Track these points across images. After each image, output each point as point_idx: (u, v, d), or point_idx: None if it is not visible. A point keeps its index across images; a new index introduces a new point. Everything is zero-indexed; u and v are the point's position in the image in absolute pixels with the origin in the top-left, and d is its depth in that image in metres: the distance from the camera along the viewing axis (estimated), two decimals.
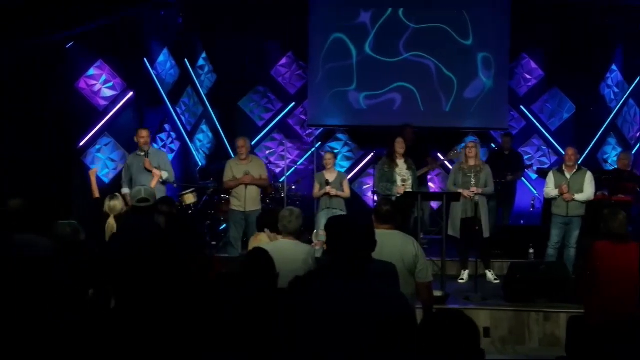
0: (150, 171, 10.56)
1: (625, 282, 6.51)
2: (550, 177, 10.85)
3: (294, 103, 16.17)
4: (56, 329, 5.39)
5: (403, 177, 10.96)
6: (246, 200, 11.18)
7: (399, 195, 10.61)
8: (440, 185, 15.52)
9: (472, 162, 10.82)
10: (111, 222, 8.18)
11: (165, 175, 10.69)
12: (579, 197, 10.51)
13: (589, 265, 6.71)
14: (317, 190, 11.33)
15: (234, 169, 11.36)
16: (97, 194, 9.73)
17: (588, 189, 10.59)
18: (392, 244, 5.84)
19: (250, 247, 6.95)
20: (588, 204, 10.65)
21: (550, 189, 10.74)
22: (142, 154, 10.68)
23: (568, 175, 10.67)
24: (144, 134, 10.80)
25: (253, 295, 5.10)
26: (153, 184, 10.18)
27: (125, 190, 10.47)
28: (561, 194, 10.53)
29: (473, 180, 10.64)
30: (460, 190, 10.56)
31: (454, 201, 10.54)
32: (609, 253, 6.55)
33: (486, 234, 10.73)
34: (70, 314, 5.68)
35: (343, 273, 3.63)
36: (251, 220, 11.11)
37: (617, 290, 6.47)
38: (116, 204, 8.67)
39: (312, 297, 3.63)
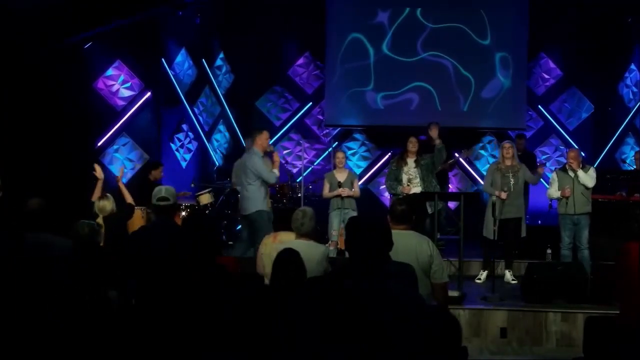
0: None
1: None
2: (554, 178, 10.80)
3: (311, 103, 16.19)
4: (72, 330, 5.41)
5: (410, 176, 10.95)
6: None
7: (404, 194, 10.61)
8: (458, 185, 15.50)
9: (509, 163, 10.82)
10: (99, 222, 8.14)
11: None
12: (581, 174, 10.45)
13: (623, 266, 6.63)
14: (327, 191, 11.25)
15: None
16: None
17: (589, 176, 10.52)
18: (407, 244, 5.83)
19: (266, 247, 6.96)
20: (605, 205, 10.60)
21: (553, 189, 10.71)
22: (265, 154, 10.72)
23: (572, 175, 10.59)
24: (267, 135, 10.83)
25: (254, 295, 5.11)
26: None
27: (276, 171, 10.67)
28: (563, 196, 10.48)
29: (512, 180, 10.65)
30: (497, 193, 10.55)
31: (476, 200, 10.53)
32: None
33: (524, 233, 10.77)
34: (87, 315, 5.71)
35: (362, 273, 3.64)
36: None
37: None
38: (105, 205, 8.64)
39: (332, 297, 3.63)
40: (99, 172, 9.60)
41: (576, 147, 14.60)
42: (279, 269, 5.37)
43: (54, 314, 5.57)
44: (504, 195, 10.58)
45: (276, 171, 10.49)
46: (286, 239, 6.86)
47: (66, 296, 5.86)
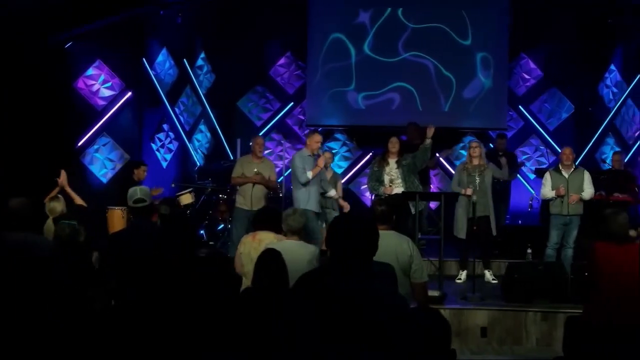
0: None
1: (626, 283, 6.49)
2: (547, 178, 10.84)
3: (292, 103, 16.19)
4: (55, 329, 5.39)
5: (392, 177, 10.94)
6: (252, 199, 11.15)
7: (386, 195, 10.63)
8: (439, 185, 15.52)
9: (475, 162, 10.85)
10: (50, 223, 8.07)
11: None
12: (584, 195, 10.54)
13: (589, 266, 6.70)
14: None
15: (244, 167, 11.35)
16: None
17: (589, 188, 10.64)
18: (387, 244, 5.82)
19: (245, 246, 6.93)
20: (586, 203, 10.67)
21: (547, 189, 10.74)
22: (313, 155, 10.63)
23: (566, 175, 10.67)
24: (318, 138, 10.80)
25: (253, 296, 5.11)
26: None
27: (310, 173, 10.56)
28: (558, 195, 10.53)
29: (478, 179, 10.67)
30: (463, 191, 10.58)
31: (452, 200, 10.54)
32: (609, 254, 6.53)
33: (494, 231, 10.79)
34: (69, 314, 5.69)
35: (343, 272, 3.64)
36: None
37: (619, 291, 6.45)
38: (56, 206, 8.53)
39: (314, 296, 3.63)
40: (62, 178, 9.50)
41: (557, 147, 14.68)
42: (261, 270, 5.36)
43: (38, 313, 5.55)
44: (469, 191, 10.59)
45: (309, 174, 10.36)
46: (265, 238, 6.84)
47: (50, 296, 5.84)
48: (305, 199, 10.35)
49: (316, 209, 10.51)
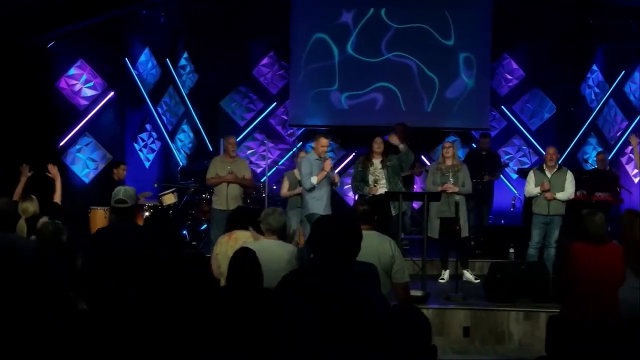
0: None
1: (603, 283, 6.51)
2: (531, 176, 10.89)
3: (275, 103, 16.18)
4: (39, 329, 5.37)
5: (376, 177, 10.92)
6: (228, 199, 11.14)
7: (371, 195, 10.62)
8: (421, 185, 15.53)
9: (449, 162, 10.83)
10: (22, 223, 8.01)
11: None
12: (560, 195, 10.58)
13: (566, 266, 6.73)
14: (285, 190, 11.21)
15: (218, 167, 11.33)
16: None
17: (569, 188, 10.67)
18: (369, 244, 5.79)
19: (221, 246, 6.90)
20: (568, 203, 10.71)
21: (531, 187, 10.78)
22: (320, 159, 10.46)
23: (549, 175, 10.72)
24: (325, 142, 10.60)
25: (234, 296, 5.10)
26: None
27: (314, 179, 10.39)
28: (543, 191, 10.57)
29: (451, 179, 10.67)
30: (440, 188, 10.58)
31: (434, 201, 10.54)
32: (586, 254, 6.54)
33: (464, 233, 10.78)
34: (53, 314, 5.67)
35: (326, 272, 3.63)
36: None
37: (595, 291, 6.48)
38: (28, 207, 8.46)
39: (296, 295, 3.63)
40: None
41: (539, 147, 14.73)
42: (234, 268, 5.35)
43: (22, 312, 5.53)
44: (449, 188, 10.59)
45: (314, 179, 10.23)
46: (241, 237, 6.83)
47: (33, 294, 5.82)
48: (314, 202, 10.31)
49: (325, 213, 10.30)
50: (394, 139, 11.40)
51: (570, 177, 10.75)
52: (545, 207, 10.61)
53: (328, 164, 10.43)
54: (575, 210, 11.01)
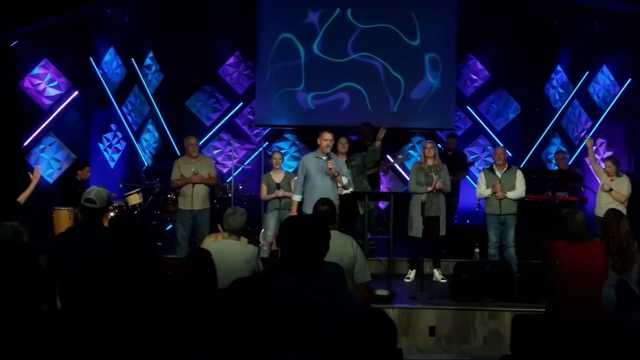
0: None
1: (587, 281, 6.55)
2: (482, 177, 11.02)
3: (241, 103, 16.13)
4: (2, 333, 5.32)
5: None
6: (193, 199, 11.10)
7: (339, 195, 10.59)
8: (388, 186, 15.58)
9: (431, 162, 10.89)
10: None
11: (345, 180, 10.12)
12: (510, 194, 10.69)
13: (549, 265, 6.75)
14: (264, 193, 11.22)
15: (181, 168, 11.26)
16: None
17: (519, 187, 10.79)
18: (331, 245, 5.83)
19: (206, 246, 6.91)
20: (534, 203, 10.81)
21: (483, 188, 10.89)
22: (324, 157, 9.88)
23: (499, 174, 10.83)
24: (327, 137, 10.07)
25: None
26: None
27: (297, 197, 9.97)
28: (494, 192, 10.66)
29: (435, 178, 10.72)
30: (430, 188, 10.60)
31: (403, 201, 10.57)
32: (568, 252, 6.58)
33: (442, 232, 10.84)
34: (17, 317, 5.62)
35: (297, 273, 3.64)
36: (199, 219, 11.12)
37: (579, 289, 6.52)
38: None
39: (265, 296, 3.62)
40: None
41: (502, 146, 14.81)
42: (187, 269, 5.36)
43: None
44: (439, 184, 10.63)
45: (296, 197, 9.92)
46: (205, 241, 6.87)
47: None
48: (309, 207, 9.47)
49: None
50: (382, 133, 11.28)
51: (520, 176, 10.89)
52: (497, 207, 10.71)
53: (331, 163, 9.78)
54: (542, 210, 11.20)
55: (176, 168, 11.35)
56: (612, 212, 7.74)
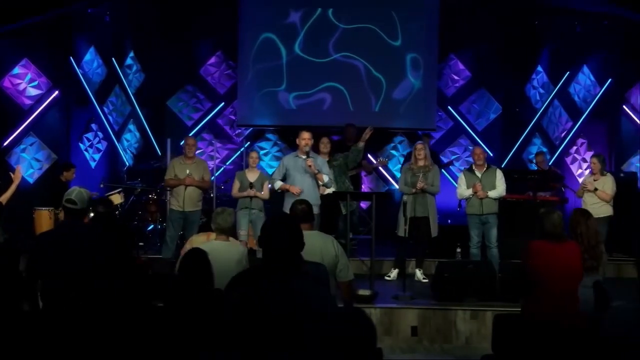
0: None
1: (563, 281, 6.58)
2: (462, 178, 11.04)
3: (223, 103, 16.10)
4: None
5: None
6: (184, 200, 11.04)
7: (321, 194, 10.59)
8: (370, 185, 15.60)
9: (421, 163, 10.89)
10: None
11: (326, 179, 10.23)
12: (492, 193, 10.71)
13: (525, 264, 6.77)
14: (236, 190, 11.08)
15: (176, 168, 11.20)
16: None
17: (500, 186, 10.81)
18: (312, 245, 5.79)
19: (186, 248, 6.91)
20: (515, 203, 10.83)
21: (463, 189, 10.90)
22: (304, 156, 10.12)
23: (479, 174, 10.86)
24: (305, 135, 10.25)
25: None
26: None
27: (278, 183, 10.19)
28: (475, 192, 10.68)
29: (422, 177, 10.72)
30: (414, 190, 10.61)
31: (384, 200, 10.57)
32: (545, 252, 6.61)
33: (435, 233, 10.86)
34: None
35: (275, 273, 3.64)
36: (190, 220, 11.13)
37: (555, 289, 6.54)
38: None
39: (247, 296, 3.63)
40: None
41: (485, 147, 14.83)
42: (184, 269, 5.34)
43: None
44: (420, 185, 10.63)
45: (278, 184, 10.18)
46: (196, 241, 6.85)
47: None
48: (288, 204, 9.51)
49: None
50: (368, 134, 11.31)
51: (500, 175, 10.92)
52: (478, 207, 10.73)
53: (310, 162, 10.00)
54: (524, 210, 11.23)
55: (171, 168, 11.31)
56: (579, 211, 7.74)
